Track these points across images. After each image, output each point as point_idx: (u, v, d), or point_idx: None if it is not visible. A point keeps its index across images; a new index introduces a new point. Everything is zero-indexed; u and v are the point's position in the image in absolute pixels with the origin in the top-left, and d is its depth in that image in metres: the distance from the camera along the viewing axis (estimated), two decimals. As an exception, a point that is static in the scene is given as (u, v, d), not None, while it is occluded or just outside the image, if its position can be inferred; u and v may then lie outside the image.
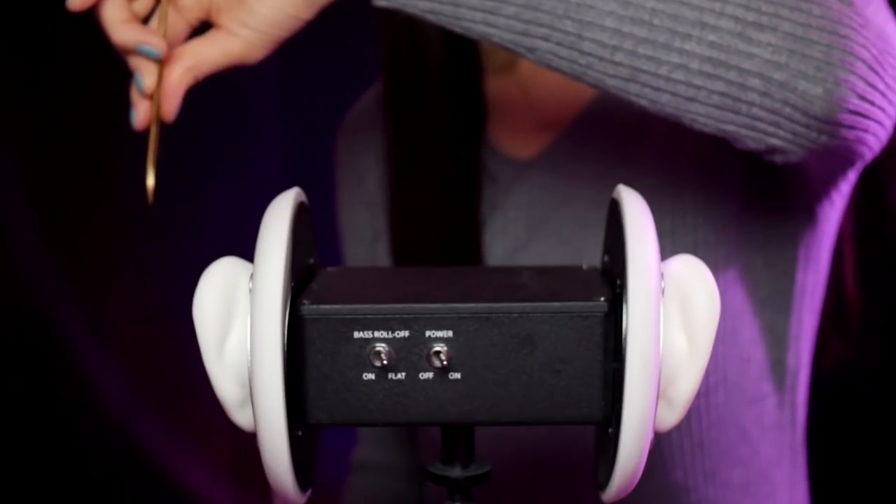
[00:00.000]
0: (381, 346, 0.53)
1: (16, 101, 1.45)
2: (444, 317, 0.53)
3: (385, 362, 0.53)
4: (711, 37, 0.69)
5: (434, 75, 0.95)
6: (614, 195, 0.57)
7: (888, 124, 0.77)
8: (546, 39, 0.69)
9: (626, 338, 0.51)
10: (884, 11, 0.79)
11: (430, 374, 0.53)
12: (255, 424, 0.52)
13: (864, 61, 0.71)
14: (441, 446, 0.59)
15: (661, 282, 0.53)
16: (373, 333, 0.53)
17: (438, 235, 0.96)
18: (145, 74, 0.72)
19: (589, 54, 0.69)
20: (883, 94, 0.73)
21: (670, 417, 0.55)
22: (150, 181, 0.71)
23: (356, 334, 0.53)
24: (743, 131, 0.71)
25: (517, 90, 0.97)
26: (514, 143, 0.96)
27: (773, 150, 0.72)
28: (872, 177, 0.82)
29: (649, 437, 0.52)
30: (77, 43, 1.25)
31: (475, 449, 0.59)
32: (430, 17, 0.70)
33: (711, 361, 0.86)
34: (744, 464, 0.93)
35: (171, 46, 0.73)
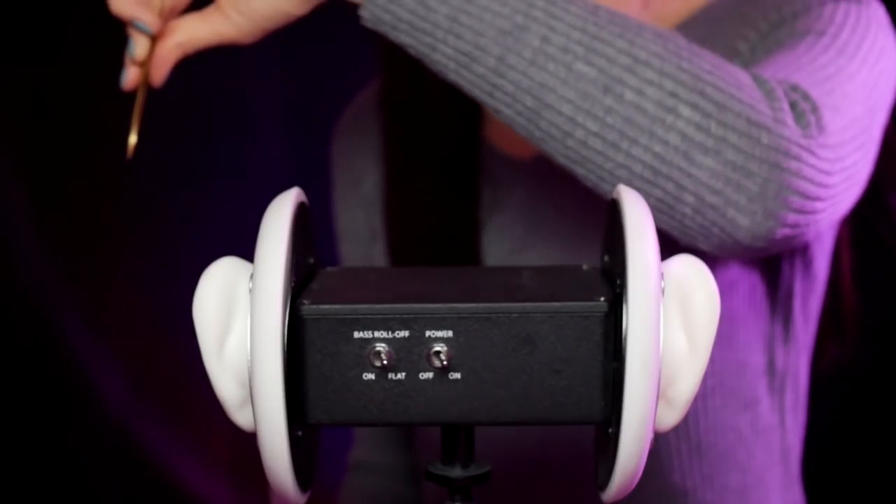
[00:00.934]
0: (381, 346, 0.53)
1: (16, 101, 1.45)
2: (444, 317, 0.53)
3: (385, 362, 0.53)
4: (657, 147, 0.71)
5: (430, 72, 0.95)
6: (614, 195, 0.57)
7: (853, 193, 0.79)
8: (508, 106, 0.73)
9: (626, 338, 0.51)
10: (877, 64, 0.81)
11: (430, 374, 0.53)
12: (255, 424, 0.52)
13: (801, 193, 0.73)
14: (441, 446, 0.59)
15: (661, 282, 0.53)
16: (373, 333, 0.53)
17: (436, 236, 0.96)
18: (138, 44, 0.77)
19: (544, 131, 0.73)
20: (833, 187, 0.76)
21: (670, 417, 0.55)
22: (133, 139, 0.76)
23: (356, 334, 0.53)
24: (675, 233, 0.74)
25: None
26: (511, 141, 0.96)
27: (706, 252, 0.75)
28: (870, 180, 0.83)
29: (649, 437, 0.52)
30: (77, 43, 1.25)
31: (474, 449, 0.59)
32: (410, 51, 0.74)
33: (709, 365, 0.87)
34: (741, 467, 0.93)
35: (169, 18, 0.77)
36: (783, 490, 0.96)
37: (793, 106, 0.75)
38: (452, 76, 0.73)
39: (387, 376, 0.53)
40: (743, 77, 0.74)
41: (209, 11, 0.77)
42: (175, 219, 1.49)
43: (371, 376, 0.53)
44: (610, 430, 0.54)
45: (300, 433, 0.54)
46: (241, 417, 0.55)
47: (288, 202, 0.55)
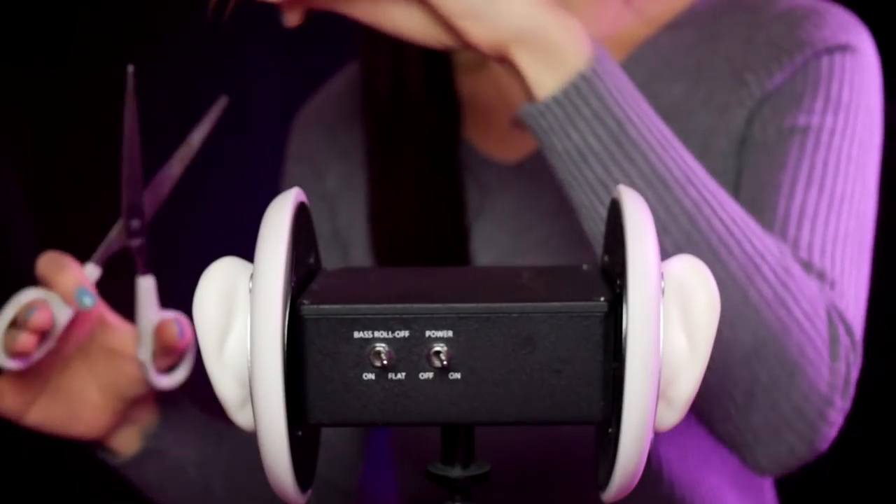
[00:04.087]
0: (381, 346, 0.53)
1: (16, 101, 1.45)
2: (444, 317, 0.53)
3: (385, 362, 0.53)
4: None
5: (410, 73, 0.95)
6: (614, 195, 0.57)
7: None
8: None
9: (626, 338, 0.51)
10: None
11: (430, 374, 0.53)
12: (255, 424, 0.52)
13: (834, 424, 0.79)
14: (441, 446, 0.59)
15: (662, 282, 0.53)
16: (373, 333, 0.53)
17: (422, 244, 0.94)
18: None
19: None
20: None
21: (670, 417, 0.55)
22: None
23: (356, 334, 0.53)
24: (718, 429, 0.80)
25: (492, 89, 0.96)
26: (496, 144, 0.95)
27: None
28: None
29: (649, 437, 0.52)
30: (77, 43, 1.25)
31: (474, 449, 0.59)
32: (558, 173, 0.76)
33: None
34: (720, 472, 0.93)
35: None
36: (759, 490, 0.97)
37: (837, 341, 0.78)
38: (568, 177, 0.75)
39: (387, 376, 0.53)
40: (820, 325, 0.78)
41: None
42: (175, 219, 1.49)
43: (371, 376, 0.53)
44: (610, 431, 0.54)
45: (300, 433, 0.54)
46: (241, 417, 0.55)
47: (288, 202, 0.55)
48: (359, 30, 0.93)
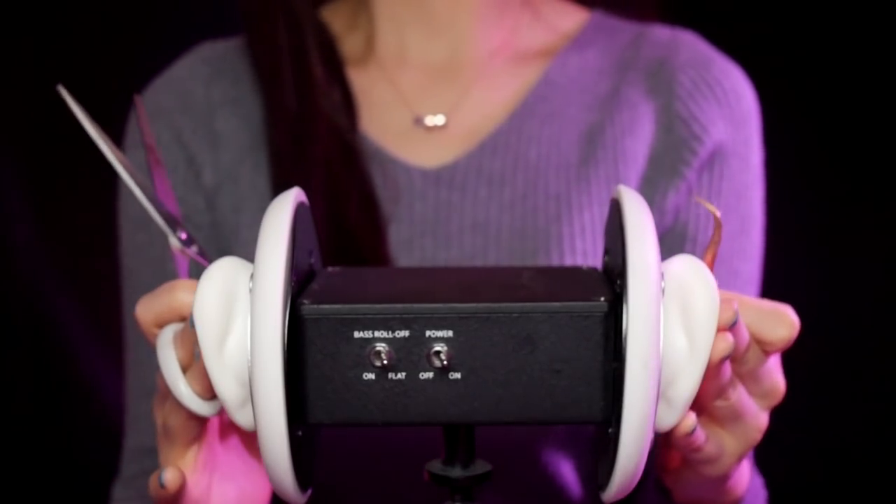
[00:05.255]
0: (381, 346, 0.53)
1: (15, 99, 1.45)
2: (444, 317, 0.53)
3: (385, 362, 0.53)
4: None
5: (311, 57, 0.90)
6: (614, 195, 0.57)
7: None
8: None
9: (626, 338, 0.51)
10: None
11: (430, 374, 0.53)
12: (256, 424, 0.52)
13: None
14: (444, 446, 0.59)
15: (662, 282, 0.53)
16: (373, 333, 0.53)
17: (337, 236, 0.87)
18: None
19: None
20: None
21: (670, 417, 0.55)
22: None
23: (356, 334, 0.53)
24: None
25: (387, 84, 0.92)
26: (400, 143, 0.90)
27: None
28: None
29: (649, 436, 0.52)
30: (77, 42, 1.25)
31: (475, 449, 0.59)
32: None
33: None
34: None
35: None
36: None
37: None
38: None
39: (387, 376, 0.53)
40: None
41: None
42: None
43: (371, 376, 0.53)
44: (610, 430, 0.54)
45: (300, 433, 0.54)
46: (242, 417, 0.55)
47: (288, 202, 0.55)
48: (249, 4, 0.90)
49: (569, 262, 0.86)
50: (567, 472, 0.87)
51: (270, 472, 0.53)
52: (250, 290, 0.53)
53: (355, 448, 0.83)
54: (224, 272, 0.55)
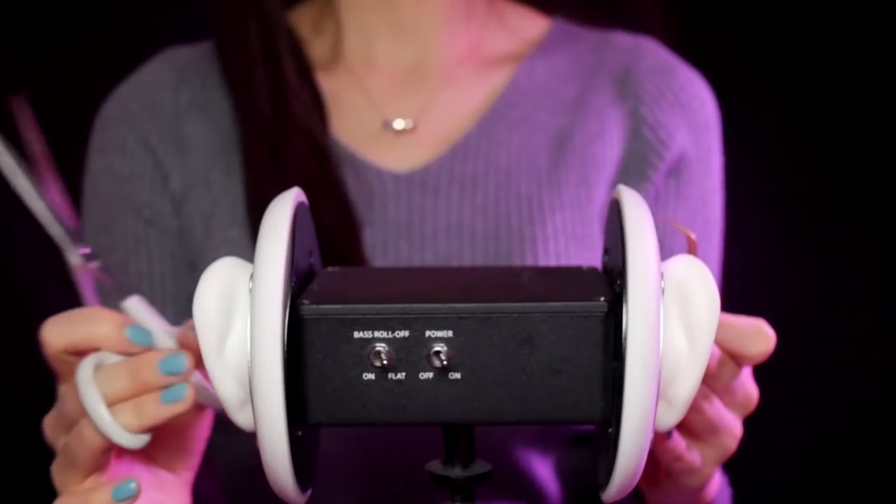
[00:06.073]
0: (380, 346, 0.53)
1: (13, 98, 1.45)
2: (443, 317, 0.53)
3: (385, 362, 0.53)
4: None
5: (286, 59, 0.90)
6: (614, 195, 0.57)
7: None
8: None
9: (626, 338, 0.51)
10: None
11: (429, 374, 0.53)
12: (255, 424, 0.52)
13: None
14: (443, 446, 0.59)
15: (661, 282, 0.53)
16: (373, 333, 0.53)
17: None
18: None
19: None
20: None
21: (670, 417, 0.55)
22: None
23: (356, 334, 0.53)
24: None
25: (356, 88, 0.92)
26: (370, 147, 0.90)
27: None
28: None
29: (649, 436, 0.52)
30: (77, 42, 1.25)
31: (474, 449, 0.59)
32: None
33: None
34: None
35: None
36: None
37: None
38: None
39: (387, 376, 0.53)
40: None
41: None
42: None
43: (371, 376, 0.53)
44: (610, 430, 0.54)
45: (300, 433, 0.54)
46: (241, 417, 0.55)
47: (288, 202, 0.55)
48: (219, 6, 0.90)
49: (542, 263, 0.86)
50: (541, 468, 0.87)
51: (270, 473, 0.53)
52: (250, 291, 0.53)
53: (355, 448, 0.83)
54: (224, 272, 0.55)
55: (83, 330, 0.60)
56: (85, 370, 0.59)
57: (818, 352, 1.19)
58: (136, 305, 0.66)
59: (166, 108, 0.91)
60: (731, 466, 0.77)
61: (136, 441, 0.59)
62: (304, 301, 0.53)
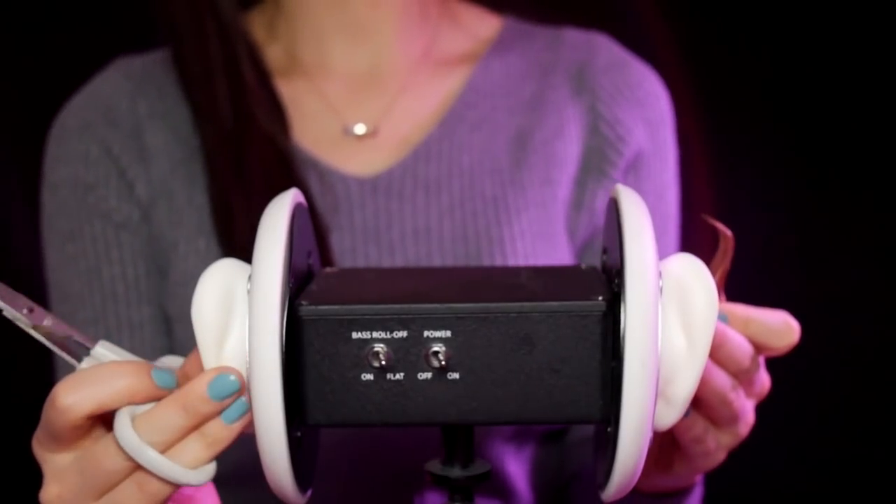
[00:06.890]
0: (379, 347, 0.53)
1: (14, 98, 1.45)
2: (442, 317, 0.53)
3: (383, 363, 0.53)
4: None
5: (245, 65, 0.89)
6: (612, 194, 0.57)
7: None
8: None
9: (624, 337, 0.51)
10: None
11: (428, 375, 0.53)
12: (254, 425, 0.52)
13: None
14: (443, 446, 0.59)
15: (660, 281, 0.53)
16: (371, 334, 0.53)
17: None
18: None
19: None
20: None
21: (669, 416, 0.55)
22: None
23: (354, 335, 0.53)
24: None
25: (314, 94, 0.91)
26: (333, 153, 0.89)
27: None
28: None
29: (648, 435, 0.52)
30: (77, 42, 1.25)
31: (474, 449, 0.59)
32: None
33: None
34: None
35: None
36: None
37: None
38: None
39: (385, 377, 0.53)
40: None
41: None
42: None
43: (370, 377, 0.53)
44: (609, 430, 0.54)
45: (299, 434, 0.54)
46: (241, 418, 0.55)
47: (286, 203, 0.55)
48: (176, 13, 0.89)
49: (511, 263, 0.86)
50: (513, 466, 0.87)
51: (269, 474, 0.53)
52: (248, 292, 0.53)
53: (354, 449, 0.83)
54: (222, 273, 0.55)
55: (107, 388, 0.56)
56: (126, 428, 0.55)
57: (818, 351, 1.18)
58: (107, 348, 0.59)
59: (125, 117, 0.90)
60: (736, 461, 0.78)
61: (205, 475, 0.56)
62: (303, 302, 0.53)
